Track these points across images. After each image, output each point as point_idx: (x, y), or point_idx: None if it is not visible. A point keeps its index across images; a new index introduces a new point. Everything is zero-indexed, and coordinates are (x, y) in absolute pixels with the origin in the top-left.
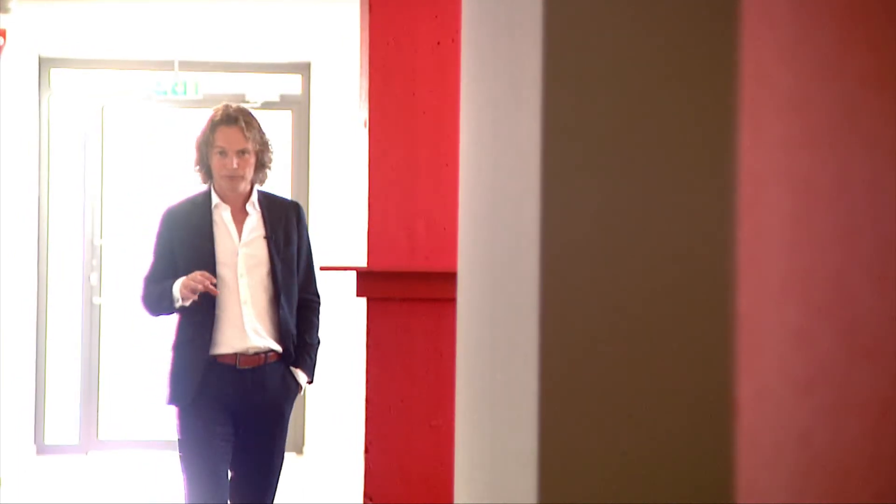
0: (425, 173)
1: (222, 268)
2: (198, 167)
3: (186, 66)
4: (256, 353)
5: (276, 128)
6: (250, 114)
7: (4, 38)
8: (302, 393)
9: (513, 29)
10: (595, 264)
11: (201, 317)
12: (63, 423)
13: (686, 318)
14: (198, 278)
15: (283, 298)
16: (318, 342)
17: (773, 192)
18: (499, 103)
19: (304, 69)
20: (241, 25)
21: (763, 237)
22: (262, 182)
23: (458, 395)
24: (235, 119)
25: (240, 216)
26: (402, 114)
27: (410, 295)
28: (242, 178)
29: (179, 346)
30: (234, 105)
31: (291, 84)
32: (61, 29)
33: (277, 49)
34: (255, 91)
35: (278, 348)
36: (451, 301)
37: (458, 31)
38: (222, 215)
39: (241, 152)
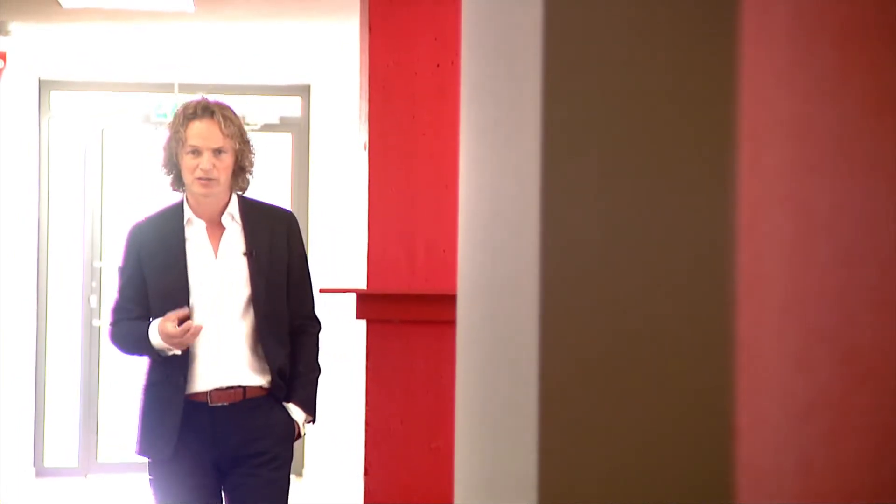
0: (425, 195)
1: (195, 294)
2: (165, 169)
3: (186, 88)
4: (231, 388)
5: (276, 150)
6: (229, 108)
7: (4, 60)
8: (302, 434)
9: (513, 51)
10: (594, 287)
11: (174, 354)
12: (62, 445)
13: (686, 344)
14: (176, 332)
15: (266, 325)
16: (318, 372)
17: (772, 216)
18: (498, 125)
19: (303, 91)
20: (241, 48)
21: (762, 262)
22: (242, 189)
23: (458, 418)
24: (211, 112)
25: (216, 231)
26: (402, 136)
27: (410, 317)
28: (217, 182)
29: (151, 388)
30: (209, 98)
31: (291, 106)
32: (61, 51)
33: (277, 71)
34: (254, 113)
35: (261, 382)
36: (451, 323)
37: (457, 53)
38: (195, 232)
39: (218, 151)
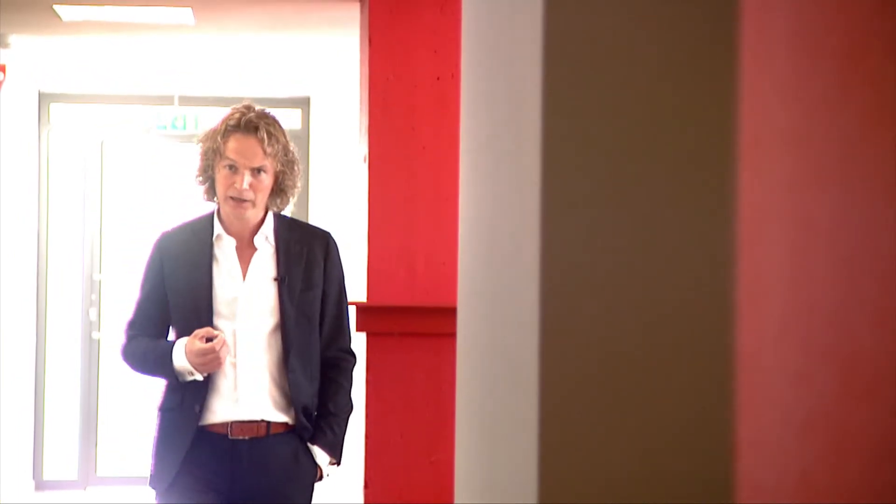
0: (425, 208)
1: (219, 318)
2: (200, 178)
3: (186, 100)
4: (252, 422)
5: None
6: (276, 122)
7: (4, 73)
8: (324, 478)
9: (513, 64)
10: (594, 300)
11: (193, 379)
12: (62, 458)
13: (686, 356)
14: (206, 347)
15: (294, 358)
16: (348, 410)
17: (772, 229)
18: (498, 138)
19: (303, 104)
20: (241, 60)
21: (762, 275)
22: (280, 208)
23: (458, 431)
24: (255, 128)
25: (246, 251)
26: (402, 149)
27: (410, 329)
28: (252, 204)
29: (165, 413)
30: (257, 108)
31: (291, 118)
32: (61, 64)
33: (277, 84)
34: None
35: (286, 419)
36: (451, 336)
37: (457, 66)
38: (224, 250)
39: (257, 171)
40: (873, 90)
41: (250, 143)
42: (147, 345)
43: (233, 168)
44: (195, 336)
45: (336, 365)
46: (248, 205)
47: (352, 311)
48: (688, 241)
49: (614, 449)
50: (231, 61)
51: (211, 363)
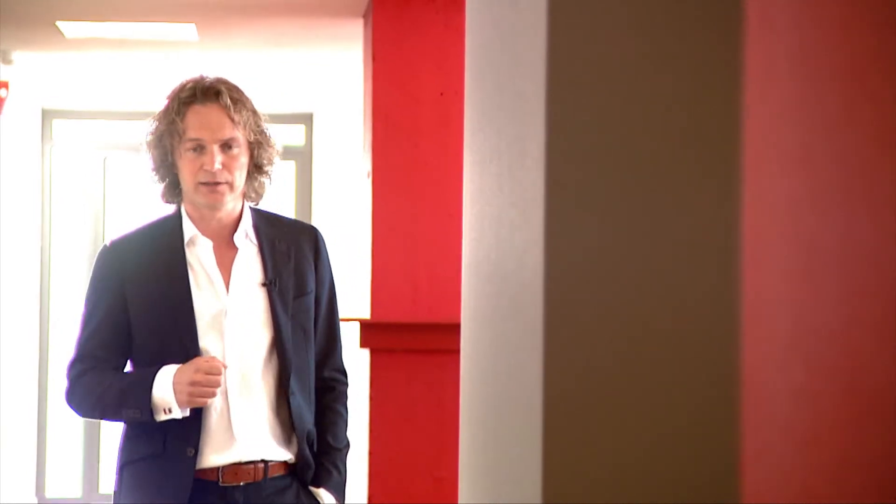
0: (428, 224)
1: (205, 338)
2: (157, 174)
3: None
4: (250, 463)
5: (279, 179)
6: (237, 87)
7: (7, 89)
8: None
9: (516, 80)
10: (598, 319)
11: (168, 418)
12: (65, 475)
13: (690, 377)
14: (210, 374)
15: (293, 379)
16: (348, 444)
17: (776, 250)
18: (502, 154)
19: (306, 120)
20: (244, 76)
21: (766, 296)
22: (257, 197)
23: (462, 447)
24: (217, 93)
25: (226, 254)
26: (405, 165)
27: (413, 346)
28: (230, 187)
29: (139, 463)
30: (211, 75)
31: (294, 135)
32: (64, 80)
33: (280, 99)
34: None
35: (286, 457)
36: (455, 352)
37: (461, 81)
38: (199, 255)
39: (226, 146)
40: (877, 110)
41: (213, 112)
42: (110, 376)
43: (198, 148)
44: (193, 364)
45: (333, 388)
46: (224, 188)
47: (355, 327)
48: (692, 259)
49: (618, 465)
50: (234, 77)
51: (202, 392)
